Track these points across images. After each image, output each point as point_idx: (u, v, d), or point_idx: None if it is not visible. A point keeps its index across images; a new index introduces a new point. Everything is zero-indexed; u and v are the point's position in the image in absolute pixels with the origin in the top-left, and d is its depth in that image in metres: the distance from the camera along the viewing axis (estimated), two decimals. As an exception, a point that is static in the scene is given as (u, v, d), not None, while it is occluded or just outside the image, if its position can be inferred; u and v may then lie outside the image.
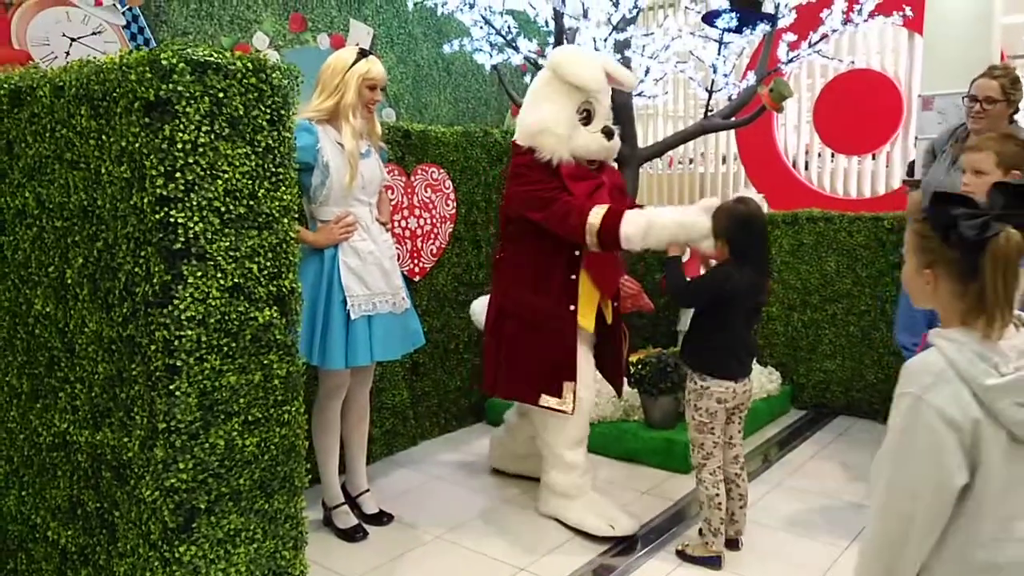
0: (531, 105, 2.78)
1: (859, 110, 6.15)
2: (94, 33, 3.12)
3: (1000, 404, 1.24)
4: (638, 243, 2.56)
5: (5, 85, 1.87)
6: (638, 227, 2.55)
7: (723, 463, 2.63)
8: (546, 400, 2.77)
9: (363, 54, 2.64)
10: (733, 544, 2.69)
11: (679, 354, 2.70)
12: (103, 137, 1.64)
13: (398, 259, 3.43)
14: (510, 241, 2.87)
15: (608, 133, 2.75)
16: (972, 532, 1.28)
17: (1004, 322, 1.27)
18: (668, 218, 2.58)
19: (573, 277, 2.75)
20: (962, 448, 1.25)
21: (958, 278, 1.29)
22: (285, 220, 1.74)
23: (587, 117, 2.73)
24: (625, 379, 3.62)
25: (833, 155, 6.50)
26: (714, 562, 2.58)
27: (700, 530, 2.67)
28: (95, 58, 1.69)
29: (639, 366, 3.52)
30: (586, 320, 2.80)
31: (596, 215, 2.58)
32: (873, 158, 6.31)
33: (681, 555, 2.64)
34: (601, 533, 2.76)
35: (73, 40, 3.06)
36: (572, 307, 2.75)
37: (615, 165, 3.04)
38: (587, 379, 2.87)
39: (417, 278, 3.67)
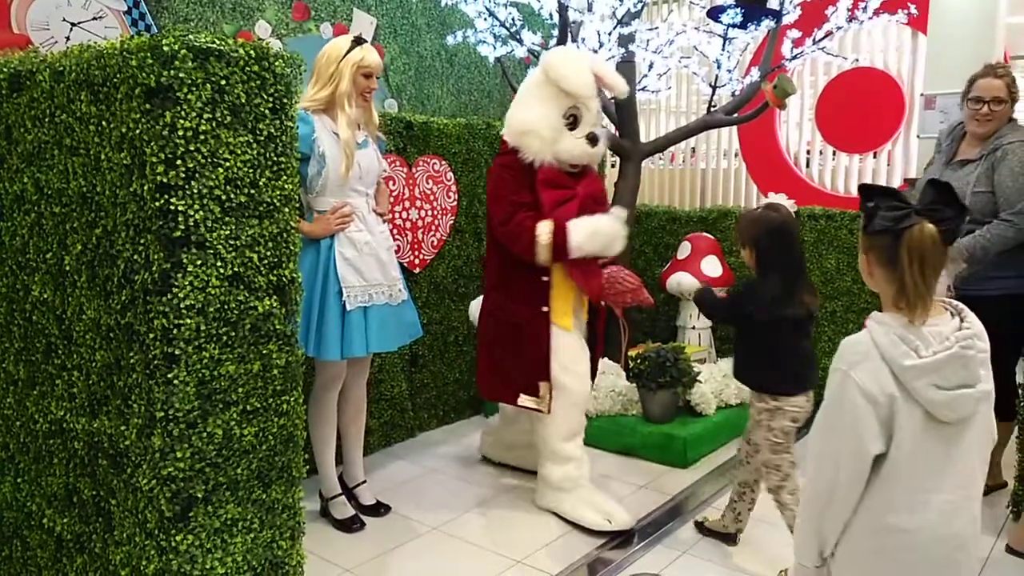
0: (520, 104, 2.83)
1: (861, 108, 6.14)
2: (95, 18, 3.09)
3: (916, 383, 1.37)
4: (587, 250, 2.72)
5: (4, 69, 1.85)
6: (584, 235, 2.71)
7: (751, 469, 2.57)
8: (524, 400, 2.85)
9: (358, 42, 2.63)
10: (731, 539, 2.69)
11: (735, 376, 2.62)
12: (103, 123, 1.62)
13: (398, 250, 3.42)
14: (492, 243, 2.97)
15: (592, 139, 2.78)
16: (886, 498, 1.42)
17: (924, 308, 1.39)
18: (607, 225, 2.75)
19: (544, 279, 2.82)
20: (879, 420, 1.39)
21: (886, 264, 1.41)
22: (286, 209, 1.72)
23: (573, 122, 2.77)
24: (624, 373, 3.63)
25: (835, 153, 6.49)
26: None
27: None
28: (96, 43, 1.67)
29: (638, 360, 3.52)
30: (562, 319, 2.84)
31: (544, 234, 2.70)
32: (874, 157, 6.30)
33: None
34: (597, 527, 2.77)
35: (73, 25, 3.04)
36: (544, 308, 2.81)
37: (598, 169, 3.12)
38: (582, 372, 2.88)
39: (417, 270, 3.66)
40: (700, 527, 2.78)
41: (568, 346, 2.84)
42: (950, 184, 1.41)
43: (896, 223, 1.36)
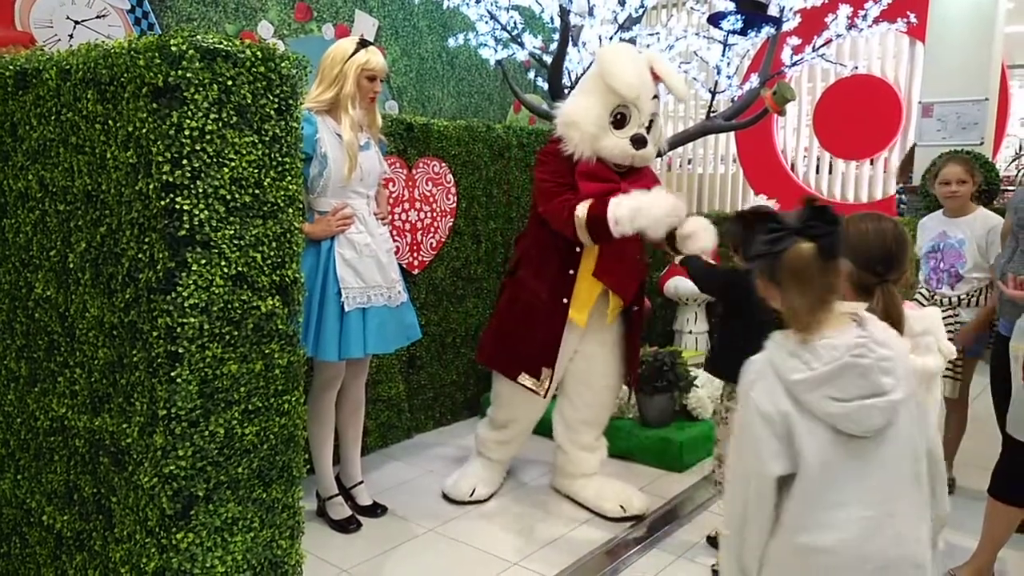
0: (574, 94, 2.83)
1: (859, 115, 6.16)
2: (98, 16, 3.10)
3: (808, 397, 1.34)
4: (627, 226, 2.51)
5: (11, 67, 1.86)
6: (626, 210, 2.51)
7: None
8: (524, 379, 2.88)
9: (363, 44, 2.64)
10: None
11: (707, 367, 2.62)
12: (109, 122, 1.63)
13: (397, 252, 3.43)
14: (533, 223, 2.94)
15: (637, 141, 2.69)
16: (799, 517, 1.37)
17: (815, 326, 1.35)
18: (659, 201, 2.53)
19: (571, 272, 2.80)
20: (777, 438, 1.35)
21: (776, 286, 1.38)
22: (290, 210, 1.74)
23: (621, 120, 2.69)
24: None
25: (831, 159, 6.52)
26: None
27: None
28: (103, 42, 1.68)
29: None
30: (579, 315, 2.83)
31: (583, 207, 2.61)
32: (871, 164, 6.33)
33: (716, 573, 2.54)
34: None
35: (77, 23, 3.05)
36: (565, 300, 2.80)
37: (652, 168, 2.94)
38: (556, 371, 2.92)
39: (416, 271, 3.67)
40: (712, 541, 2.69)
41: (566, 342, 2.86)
42: (827, 205, 1.37)
43: (771, 246, 1.34)
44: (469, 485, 3.06)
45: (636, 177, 2.75)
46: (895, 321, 1.67)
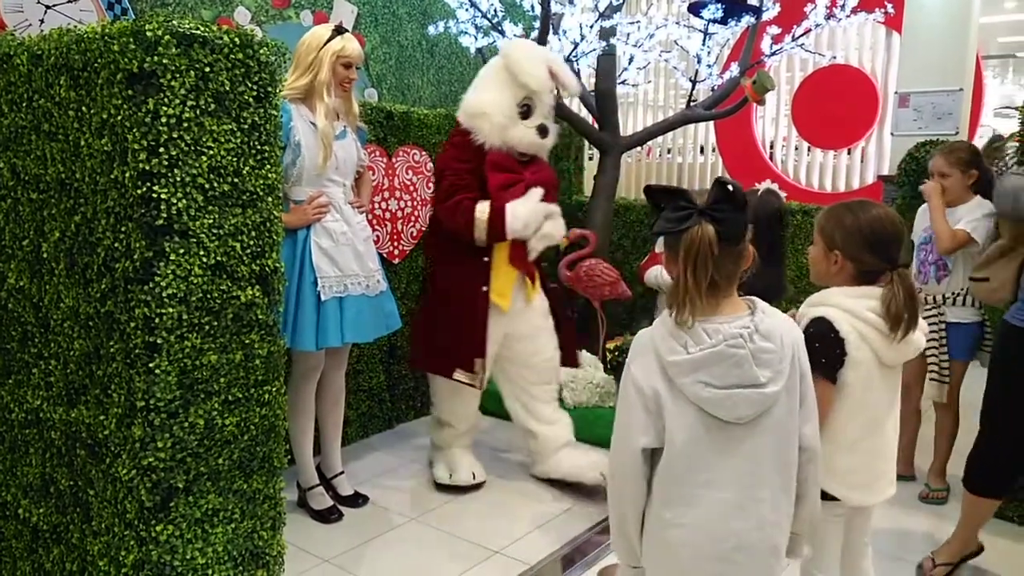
0: (478, 88, 2.92)
1: (836, 105, 6.22)
2: (69, 1, 3.04)
3: (682, 380, 1.36)
4: (520, 232, 2.80)
5: (-20, 52, 1.82)
6: (518, 220, 2.78)
7: None
8: (459, 375, 2.92)
9: (338, 31, 2.62)
10: None
11: None
12: (83, 109, 1.60)
13: (378, 241, 3.41)
14: (435, 219, 3.01)
15: (542, 131, 2.87)
16: (664, 492, 1.42)
17: (692, 308, 1.35)
18: (534, 208, 2.82)
19: (486, 259, 2.89)
20: (647, 412, 1.38)
21: (674, 263, 1.39)
22: (269, 199, 1.71)
23: (526, 111, 2.86)
24: (602, 365, 3.66)
25: (810, 148, 6.57)
26: None
27: None
28: (76, 27, 1.64)
29: (616, 353, 3.55)
30: (501, 299, 2.91)
31: (482, 210, 2.77)
32: (848, 153, 6.39)
33: None
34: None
35: (48, 7, 2.98)
36: (484, 288, 2.88)
37: (546, 159, 3.09)
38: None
39: (396, 260, 3.65)
40: None
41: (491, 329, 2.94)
42: (737, 183, 1.36)
43: (677, 224, 1.35)
44: (467, 471, 3.07)
45: (536, 167, 2.93)
46: (916, 304, 1.70)
